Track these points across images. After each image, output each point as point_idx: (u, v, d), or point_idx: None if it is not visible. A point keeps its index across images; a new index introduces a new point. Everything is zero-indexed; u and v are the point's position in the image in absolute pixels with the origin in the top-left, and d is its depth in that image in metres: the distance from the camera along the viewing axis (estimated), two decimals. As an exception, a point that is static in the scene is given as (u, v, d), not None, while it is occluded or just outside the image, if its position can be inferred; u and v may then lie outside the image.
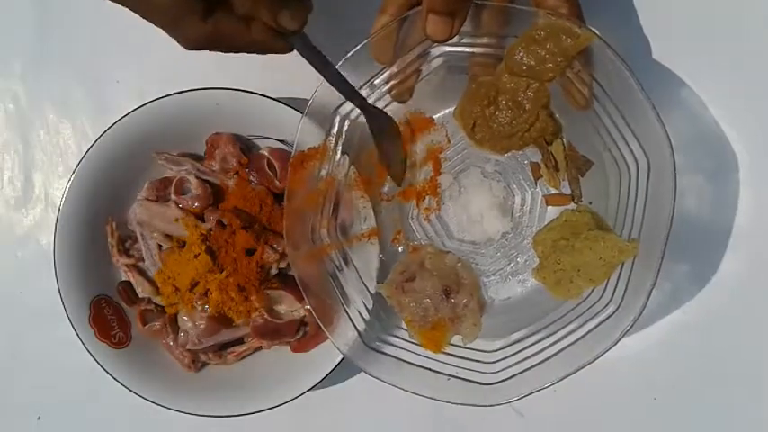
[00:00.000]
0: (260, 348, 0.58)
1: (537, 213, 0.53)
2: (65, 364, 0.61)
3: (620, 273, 0.47)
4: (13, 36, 0.63)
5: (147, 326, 0.58)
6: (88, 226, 0.57)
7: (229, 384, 0.57)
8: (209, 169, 0.57)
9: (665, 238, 0.44)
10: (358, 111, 0.49)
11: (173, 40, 0.39)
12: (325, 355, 0.54)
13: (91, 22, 0.61)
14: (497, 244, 0.54)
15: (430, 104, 0.53)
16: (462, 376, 0.49)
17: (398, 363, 0.50)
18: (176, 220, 0.56)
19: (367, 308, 0.52)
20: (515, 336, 0.50)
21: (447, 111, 0.53)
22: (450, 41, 0.45)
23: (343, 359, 0.53)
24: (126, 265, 0.58)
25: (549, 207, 0.53)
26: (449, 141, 0.54)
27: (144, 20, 0.39)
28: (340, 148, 0.51)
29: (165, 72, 0.58)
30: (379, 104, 0.50)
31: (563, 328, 0.48)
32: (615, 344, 0.45)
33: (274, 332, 0.56)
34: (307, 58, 0.42)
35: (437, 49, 0.49)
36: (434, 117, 0.54)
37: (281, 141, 0.55)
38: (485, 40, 0.47)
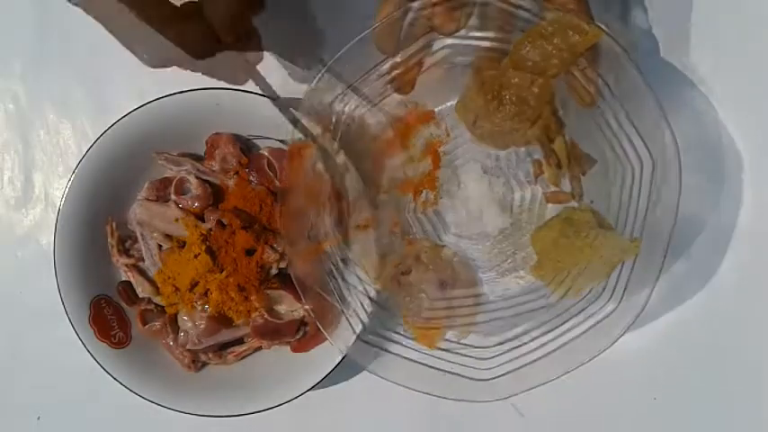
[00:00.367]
0: (260, 348, 0.58)
1: (536, 210, 0.53)
2: (65, 364, 0.61)
3: (620, 271, 0.46)
4: (13, 36, 0.63)
5: (147, 326, 0.58)
6: (88, 226, 0.57)
7: (229, 384, 0.57)
8: (209, 169, 0.57)
9: (668, 237, 0.43)
10: (354, 105, 0.48)
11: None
12: (325, 355, 0.54)
13: (91, 22, 0.61)
14: (495, 240, 0.53)
15: (431, 97, 0.52)
16: (458, 372, 0.48)
17: (394, 358, 0.49)
18: (176, 220, 0.56)
19: (364, 305, 0.51)
20: (512, 332, 0.50)
21: (448, 104, 0.52)
22: (456, 33, 0.44)
23: (343, 359, 0.53)
24: (126, 265, 0.58)
25: (549, 204, 0.52)
26: (448, 135, 0.53)
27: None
28: (336, 142, 0.51)
29: (165, 72, 0.58)
30: (380, 96, 0.49)
31: (561, 325, 0.48)
32: (613, 343, 0.45)
33: (274, 332, 0.56)
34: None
35: (441, 41, 0.48)
36: (436, 110, 0.53)
37: (281, 141, 0.55)
38: (491, 34, 0.47)
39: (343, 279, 0.52)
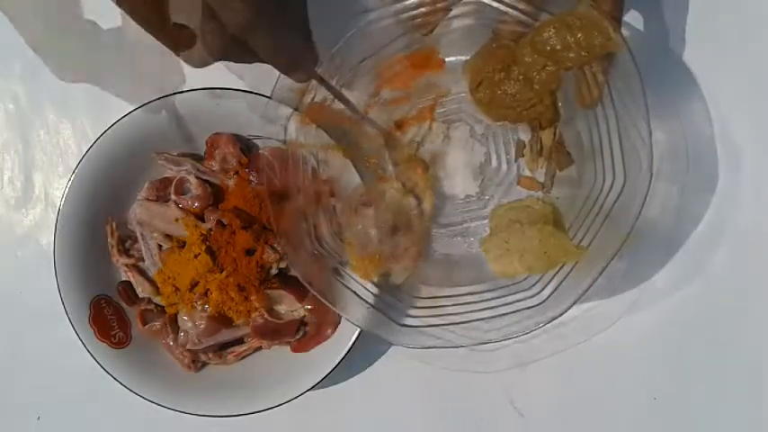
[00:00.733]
0: (260, 348, 0.58)
1: (505, 188, 0.54)
2: (65, 364, 0.61)
3: (558, 270, 0.48)
4: (13, 36, 0.63)
5: (147, 326, 0.58)
6: (88, 226, 0.57)
7: (229, 384, 0.57)
8: (209, 169, 0.57)
9: (609, 258, 0.45)
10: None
11: None
12: (325, 355, 0.54)
13: (91, 22, 0.61)
14: (458, 202, 0.55)
15: (445, 46, 0.53)
16: (384, 311, 0.50)
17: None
18: (176, 220, 0.56)
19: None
20: (444, 291, 0.51)
21: (459, 58, 0.53)
22: None
23: (342, 359, 0.53)
24: (126, 265, 0.58)
25: (519, 187, 0.53)
26: (450, 90, 0.54)
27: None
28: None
29: (165, 72, 0.58)
30: (399, 28, 0.50)
31: (486, 301, 0.50)
32: (522, 334, 0.47)
33: (274, 332, 0.56)
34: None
35: None
36: (446, 60, 0.53)
37: (282, 141, 0.55)
38: (522, 5, 0.47)
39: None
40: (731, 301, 0.56)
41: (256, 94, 0.53)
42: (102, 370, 0.56)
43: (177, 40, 0.41)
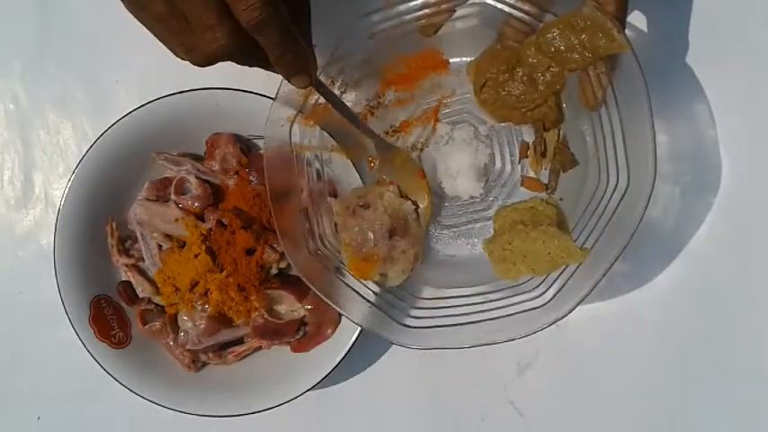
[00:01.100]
0: (260, 348, 0.58)
1: (509, 190, 0.54)
2: (65, 364, 0.61)
3: (561, 272, 0.48)
4: (13, 36, 0.63)
5: (147, 326, 0.58)
6: (88, 226, 0.57)
7: (229, 384, 0.57)
8: (209, 169, 0.57)
9: (612, 260, 0.45)
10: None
11: None
12: (325, 355, 0.54)
13: (91, 22, 0.61)
14: (461, 203, 0.55)
15: (449, 47, 0.53)
16: (386, 311, 0.50)
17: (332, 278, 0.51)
18: (176, 220, 0.56)
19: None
20: (447, 292, 0.51)
21: (463, 59, 0.53)
22: None
23: (342, 359, 0.53)
24: (126, 265, 0.58)
25: (522, 188, 0.53)
26: (454, 91, 0.54)
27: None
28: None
29: (165, 72, 0.58)
30: (403, 29, 0.50)
31: (489, 302, 0.49)
32: (525, 336, 0.47)
33: (274, 332, 0.56)
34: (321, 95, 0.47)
35: None
36: (450, 61, 0.54)
37: (283, 142, 0.55)
38: (526, 7, 0.47)
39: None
40: (733, 302, 0.56)
41: (257, 94, 0.53)
42: (102, 370, 0.56)
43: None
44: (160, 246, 0.58)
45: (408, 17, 0.49)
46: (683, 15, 0.55)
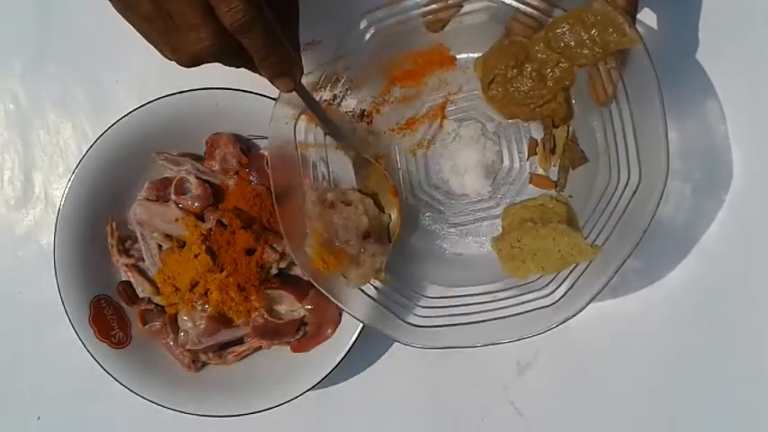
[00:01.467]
0: (260, 348, 0.58)
1: (517, 187, 0.54)
2: (65, 364, 0.61)
3: (572, 270, 0.47)
4: (13, 36, 0.63)
5: (147, 326, 0.58)
6: (88, 226, 0.57)
7: (229, 384, 0.57)
8: (209, 169, 0.57)
9: (625, 256, 0.44)
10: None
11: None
12: (325, 355, 0.54)
13: (91, 22, 0.61)
14: (469, 201, 0.54)
15: (456, 43, 0.53)
16: (394, 311, 0.50)
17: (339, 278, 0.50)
18: (176, 220, 0.56)
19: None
20: (455, 290, 0.51)
21: (470, 56, 0.53)
22: None
23: (342, 359, 0.53)
24: (126, 265, 0.58)
25: (531, 186, 0.53)
26: (461, 88, 0.53)
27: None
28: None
29: (165, 72, 0.58)
30: (409, 25, 0.49)
31: (501, 300, 0.49)
32: (535, 335, 0.46)
33: (274, 332, 0.56)
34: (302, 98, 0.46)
35: None
36: (457, 57, 0.53)
37: (286, 141, 0.55)
38: (534, 2, 0.47)
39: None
40: (741, 300, 0.55)
41: (257, 94, 0.53)
42: (102, 370, 0.56)
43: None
44: (160, 246, 0.58)
45: (414, 13, 0.49)
46: (693, 12, 0.55)
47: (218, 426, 0.56)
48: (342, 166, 0.53)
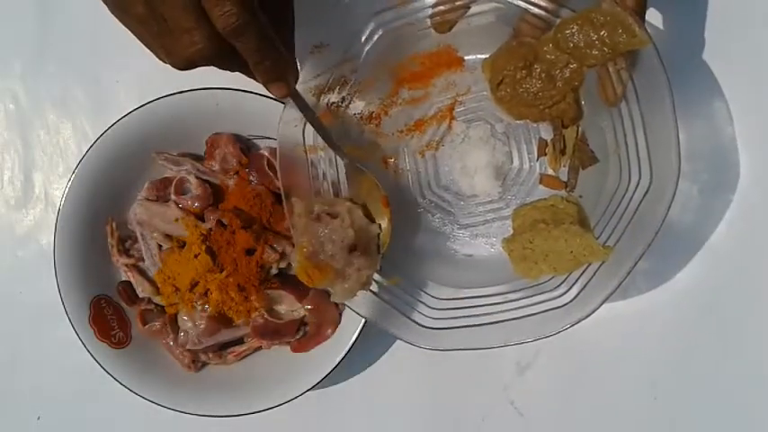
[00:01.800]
0: (260, 348, 0.58)
1: (527, 188, 0.53)
2: (65, 364, 0.61)
3: (584, 270, 0.47)
4: (13, 36, 0.63)
5: (147, 326, 0.58)
6: (88, 226, 0.57)
7: (229, 384, 0.57)
8: (209, 169, 0.57)
9: (638, 257, 0.44)
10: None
11: None
12: (325, 355, 0.54)
13: (91, 22, 0.61)
14: (479, 202, 0.54)
15: (464, 44, 0.52)
16: (405, 312, 0.50)
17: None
18: (176, 220, 0.56)
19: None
20: (466, 292, 0.51)
21: (478, 57, 0.53)
22: None
23: (342, 359, 0.53)
24: (126, 265, 0.58)
25: (541, 187, 0.53)
26: (469, 89, 0.53)
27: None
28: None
29: (165, 72, 0.58)
30: (417, 26, 0.49)
31: (512, 301, 0.49)
32: (548, 336, 0.46)
33: (274, 332, 0.56)
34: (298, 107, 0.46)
35: None
36: (465, 58, 0.53)
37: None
38: (543, 3, 0.46)
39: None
40: (733, 302, 0.55)
41: (257, 94, 0.53)
42: (102, 370, 0.56)
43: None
44: (160, 246, 0.58)
45: (422, 14, 0.49)
46: (700, 12, 0.55)
47: (218, 426, 0.56)
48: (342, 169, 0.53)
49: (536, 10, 0.47)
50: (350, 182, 0.52)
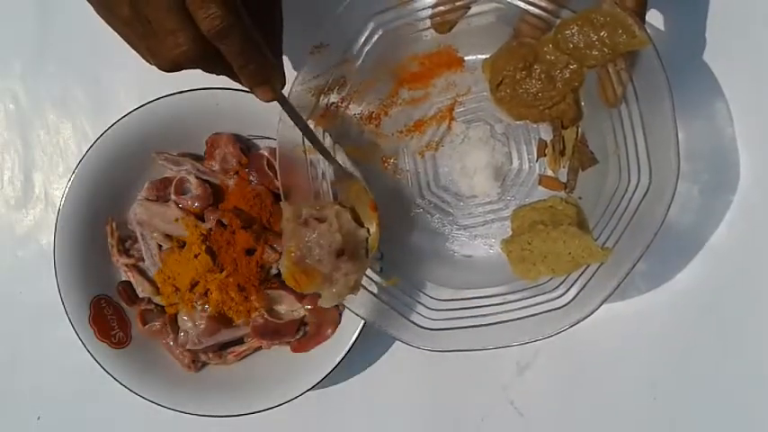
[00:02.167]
0: (260, 348, 0.58)
1: (527, 189, 0.53)
2: (65, 364, 0.61)
3: (582, 272, 0.47)
4: (13, 36, 0.63)
5: (147, 326, 0.58)
6: (88, 226, 0.57)
7: (229, 384, 0.57)
8: (209, 169, 0.57)
9: (637, 258, 0.44)
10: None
11: None
12: (325, 355, 0.54)
13: (91, 22, 0.61)
14: (478, 203, 0.54)
15: (464, 45, 0.52)
16: (404, 313, 0.50)
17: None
18: (176, 220, 0.56)
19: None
20: (465, 293, 0.51)
21: (478, 57, 0.53)
22: None
23: (342, 359, 0.53)
24: (126, 265, 0.58)
25: (540, 188, 0.53)
26: (469, 89, 0.53)
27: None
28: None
29: (165, 72, 0.58)
30: (417, 27, 0.50)
31: (510, 302, 0.49)
32: (546, 337, 0.46)
33: (274, 332, 0.56)
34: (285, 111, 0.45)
35: None
36: (465, 58, 0.53)
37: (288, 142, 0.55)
38: (543, 3, 0.46)
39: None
40: (732, 302, 0.55)
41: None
42: (102, 370, 0.56)
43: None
44: (160, 246, 0.58)
45: (422, 15, 0.49)
46: (700, 12, 0.55)
47: (218, 426, 0.56)
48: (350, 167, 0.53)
49: (536, 10, 0.47)
50: (338, 186, 0.51)
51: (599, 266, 0.47)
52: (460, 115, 0.54)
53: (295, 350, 0.57)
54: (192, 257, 0.55)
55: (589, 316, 0.46)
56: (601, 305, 0.45)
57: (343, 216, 0.49)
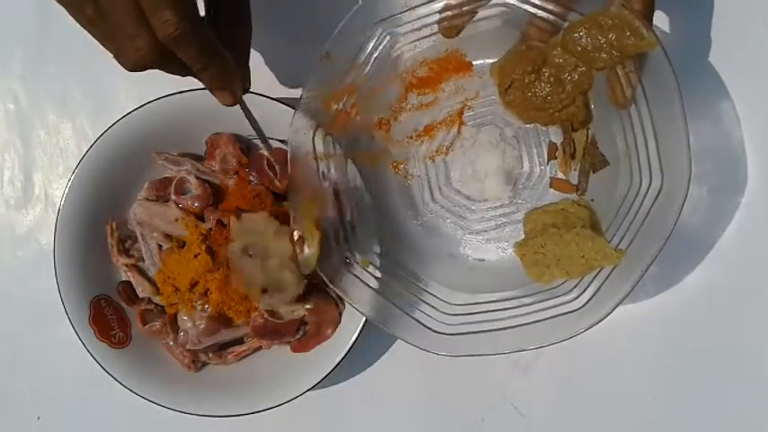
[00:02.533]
0: (260, 348, 0.58)
1: (538, 192, 0.53)
2: (65, 364, 0.61)
3: (596, 274, 0.47)
4: (13, 36, 0.63)
5: (147, 326, 0.58)
6: (88, 226, 0.57)
7: (229, 384, 0.57)
8: (210, 169, 0.57)
9: (650, 260, 0.44)
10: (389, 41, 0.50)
11: None
12: (325, 355, 0.54)
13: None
14: (490, 206, 0.54)
15: (472, 49, 0.52)
16: (419, 319, 0.49)
17: (364, 288, 0.50)
18: (176, 220, 0.56)
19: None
20: (479, 297, 0.51)
21: (486, 61, 0.53)
22: None
23: (342, 359, 0.53)
24: (126, 265, 0.58)
25: (552, 190, 0.53)
26: (478, 93, 0.53)
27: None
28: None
29: (165, 72, 0.59)
30: (424, 32, 0.50)
31: (525, 306, 0.49)
32: (567, 339, 0.46)
33: (274, 332, 0.56)
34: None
35: None
36: (474, 63, 0.53)
37: (282, 141, 0.55)
38: (551, 6, 0.46)
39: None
40: (733, 302, 0.55)
41: (257, 94, 0.53)
42: (102, 370, 0.56)
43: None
44: (160, 246, 0.58)
45: (429, 20, 0.49)
46: (706, 14, 0.55)
47: (218, 426, 0.56)
48: (357, 177, 0.53)
49: (544, 14, 0.47)
50: (293, 202, 0.51)
51: (612, 269, 0.46)
52: (470, 119, 0.54)
53: (295, 350, 0.57)
54: (192, 257, 0.55)
55: (603, 319, 0.45)
56: (615, 308, 0.45)
57: (270, 259, 0.52)
